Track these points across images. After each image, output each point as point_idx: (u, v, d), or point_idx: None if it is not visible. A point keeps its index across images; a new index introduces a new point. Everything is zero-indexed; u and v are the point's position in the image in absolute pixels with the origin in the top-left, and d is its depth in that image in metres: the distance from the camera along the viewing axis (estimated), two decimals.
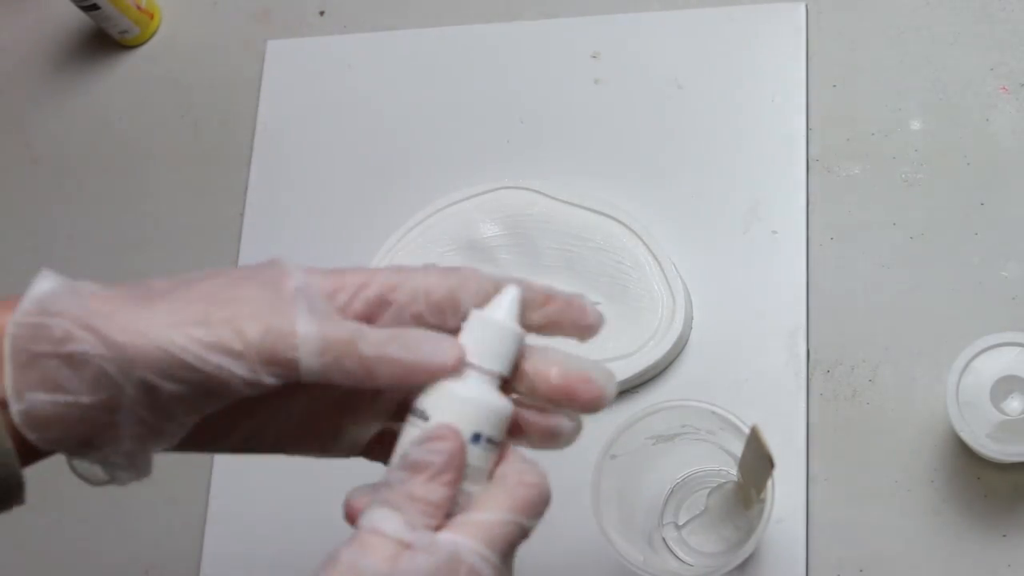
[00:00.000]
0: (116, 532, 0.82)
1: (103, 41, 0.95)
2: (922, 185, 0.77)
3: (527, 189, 0.81)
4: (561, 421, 0.50)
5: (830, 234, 0.77)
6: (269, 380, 0.45)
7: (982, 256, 0.74)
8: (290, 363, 0.45)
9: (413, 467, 0.45)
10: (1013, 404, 0.66)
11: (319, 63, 0.90)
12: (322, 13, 0.92)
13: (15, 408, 0.46)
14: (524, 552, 0.75)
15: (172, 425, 0.48)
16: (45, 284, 0.46)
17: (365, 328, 0.46)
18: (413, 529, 0.45)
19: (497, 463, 0.48)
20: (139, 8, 0.92)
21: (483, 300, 0.48)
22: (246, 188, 0.88)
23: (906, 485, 0.71)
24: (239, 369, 0.45)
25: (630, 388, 0.76)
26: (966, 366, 0.66)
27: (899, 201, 0.77)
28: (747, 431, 0.61)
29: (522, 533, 0.48)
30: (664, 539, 0.72)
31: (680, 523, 0.72)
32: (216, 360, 0.45)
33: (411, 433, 0.46)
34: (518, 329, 0.48)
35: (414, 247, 0.81)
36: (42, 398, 0.46)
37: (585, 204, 0.79)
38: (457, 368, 0.46)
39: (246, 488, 0.80)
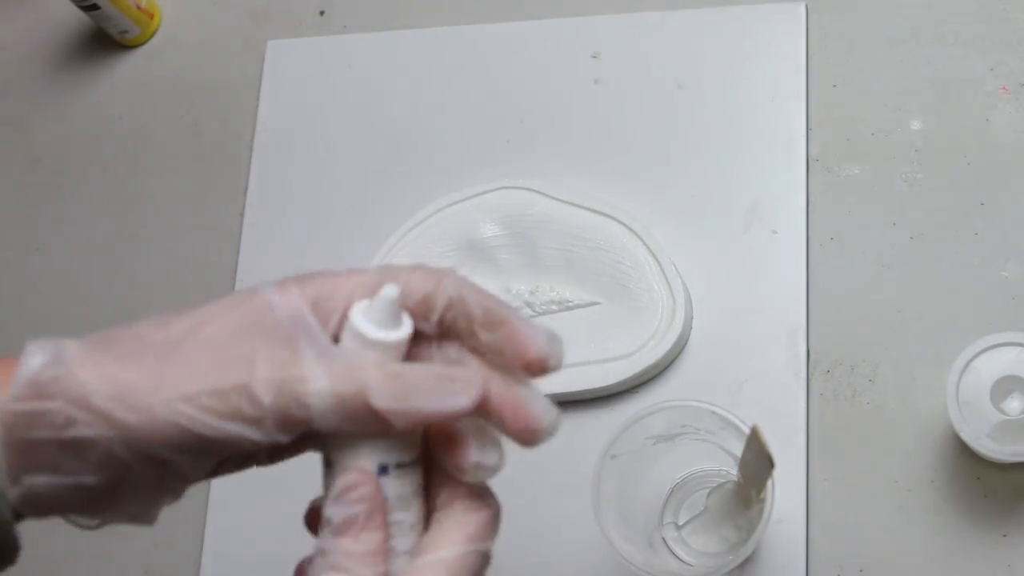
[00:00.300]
0: (116, 532, 0.82)
1: (103, 41, 0.95)
2: (922, 185, 0.77)
3: (527, 189, 0.81)
4: (537, 410, 0.47)
5: (830, 234, 0.77)
6: (284, 439, 0.44)
7: (982, 256, 0.74)
8: (304, 422, 0.43)
9: (340, 529, 0.44)
10: (1013, 404, 0.66)
11: (319, 63, 0.90)
12: (322, 13, 0.92)
13: (12, 493, 0.44)
14: (524, 552, 0.75)
15: (182, 484, 0.47)
16: (35, 360, 0.43)
17: (371, 374, 0.44)
18: None
19: (424, 477, 0.46)
20: (139, 8, 0.92)
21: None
22: (246, 188, 0.88)
23: (906, 485, 0.71)
24: (255, 435, 0.43)
25: (630, 388, 0.76)
26: (966, 366, 0.66)
27: (899, 201, 0.77)
28: (747, 431, 0.61)
29: (484, 559, 0.46)
30: (664, 539, 0.72)
31: (680, 523, 0.72)
32: (231, 428, 0.43)
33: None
34: (388, 338, 0.44)
35: (414, 247, 0.81)
36: (41, 480, 0.43)
37: (585, 204, 0.79)
38: (479, 399, 0.44)
39: (246, 488, 0.80)
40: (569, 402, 0.77)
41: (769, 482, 0.63)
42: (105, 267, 0.89)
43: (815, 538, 0.71)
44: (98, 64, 0.95)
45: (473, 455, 0.46)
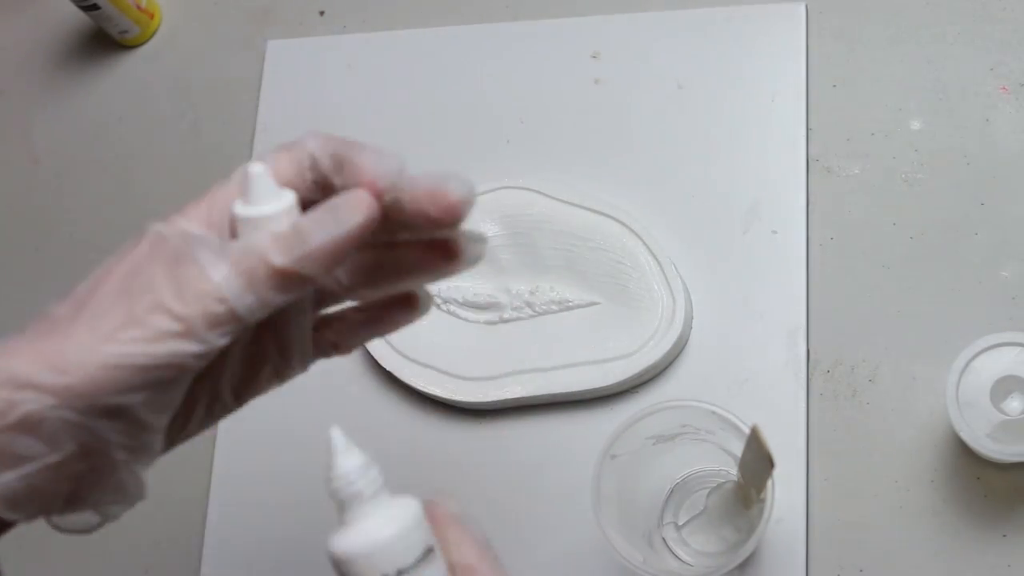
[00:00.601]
0: (116, 532, 0.82)
1: (103, 41, 0.95)
2: (922, 185, 0.77)
3: (527, 189, 0.81)
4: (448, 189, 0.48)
5: (830, 234, 0.77)
6: (221, 341, 0.44)
7: (982, 256, 0.74)
8: (230, 316, 0.44)
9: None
10: (1013, 404, 0.66)
11: (319, 63, 0.90)
12: (322, 13, 0.92)
13: None
14: (525, 552, 0.75)
15: (149, 435, 0.46)
16: None
17: (265, 242, 0.45)
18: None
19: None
20: (139, 8, 0.92)
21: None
22: None
23: (906, 485, 0.71)
24: (191, 347, 0.44)
25: (630, 388, 0.76)
26: (966, 366, 0.66)
27: (899, 201, 0.77)
28: (747, 431, 0.61)
29: None
30: (664, 539, 0.72)
31: (680, 523, 0.72)
32: (163, 349, 0.43)
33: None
34: (266, 211, 0.46)
35: None
36: (8, 477, 0.43)
37: (585, 204, 0.79)
38: (375, 208, 0.45)
39: (246, 488, 0.80)
40: (569, 402, 0.77)
41: (769, 482, 0.63)
42: None
43: (815, 538, 0.71)
44: (98, 64, 0.95)
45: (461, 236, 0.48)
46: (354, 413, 0.79)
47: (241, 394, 0.51)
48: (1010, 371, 0.66)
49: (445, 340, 0.78)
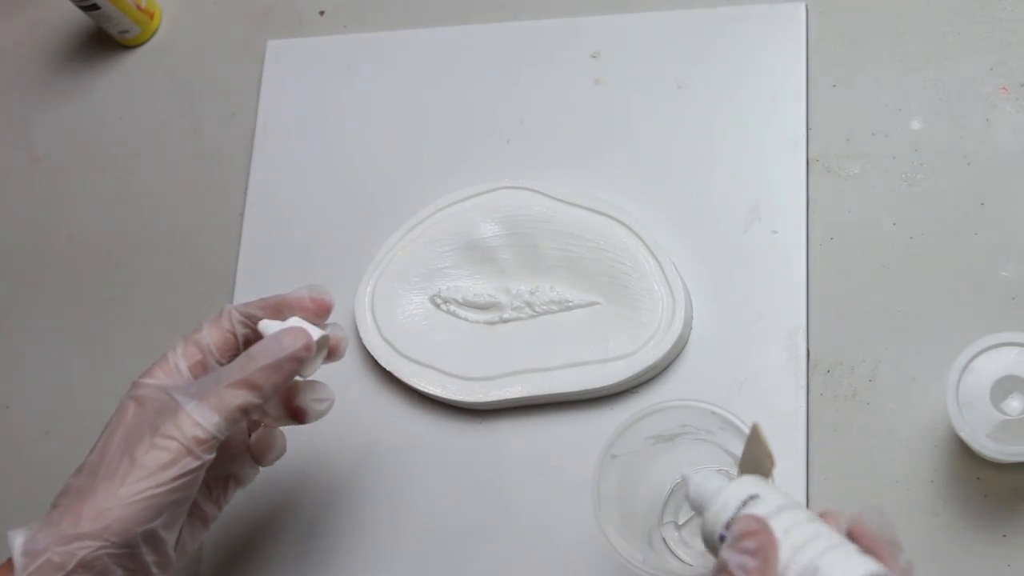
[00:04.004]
0: None
1: (103, 41, 0.95)
2: (922, 185, 0.77)
3: (527, 189, 0.81)
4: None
5: (830, 234, 0.77)
6: (208, 456, 0.62)
7: (982, 256, 0.74)
8: (208, 435, 0.62)
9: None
10: (1013, 404, 0.66)
11: (319, 63, 0.90)
12: (322, 13, 0.92)
13: None
14: (524, 552, 0.75)
15: (170, 551, 0.63)
16: (18, 539, 0.60)
17: (223, 373, 0.63)
18: None
19: None
20: (139, 8, 0.92)
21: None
22: (246, 188, 0.88)
23: (906, 485, 0.71)
24: (192, 463, 0.61)
25: (630, 388, 0.76)
26: (966, 366, 0.66)
27: (899, 201, 0.77)
28: (747, 431, 0.61)
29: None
30: (664, 539, 0.72)
31: (680, 523, 0.72)
32: (170, 474, 0.61)
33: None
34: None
35: (414, 247, 0.81)
36: None
37: (585, 204, 0.79)
38: (310, 348, 0.65)
39: (246, 488, 0.80)
40: (569, 402, 0.77)
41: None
42: (105, 267, 0.89)
43: None
44: (98, 64, 0.95)
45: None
46: (354, 413, 0.79)
47: (220, 504, 0.70)
48: (1010, 371, 0.66)
49: (445, 340, 0.78)
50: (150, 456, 0.61)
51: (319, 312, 0.67)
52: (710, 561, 0.71)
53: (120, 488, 0.60)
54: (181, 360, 0.66)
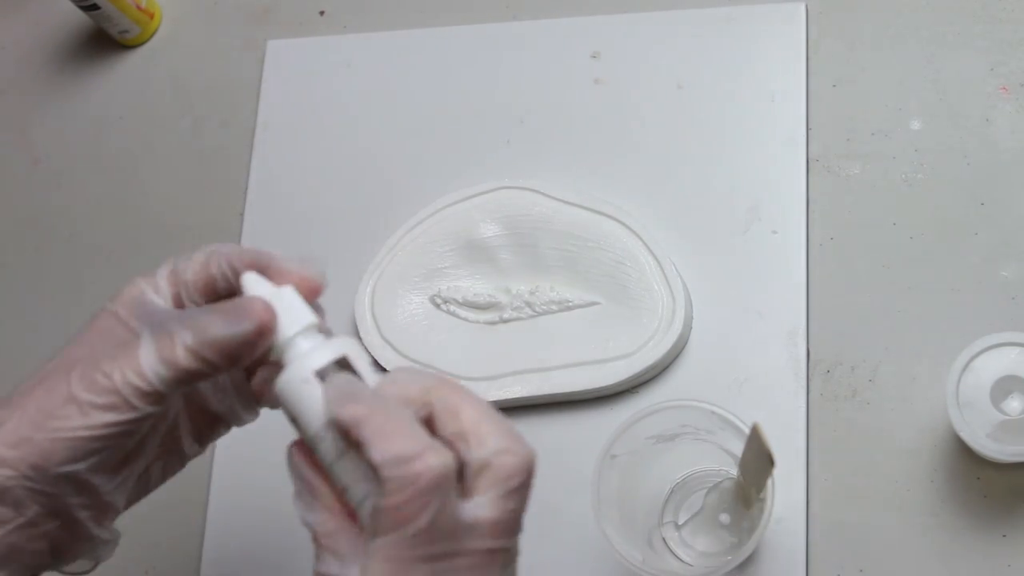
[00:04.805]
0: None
1: (103, 41, 0.95)
2: (922, 185, 0.77)
3: (527, 189, 0.81)
4: None
5: (830, 234, 0.77)
6: (150, 410, 0.51)
7: (982, 256, 0.74)
8: (152, 388, 0.51)
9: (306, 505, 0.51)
10: (1013, 404, 0.66)
11: (319, 63, 0.90)
12: (322, 13, 0.92)
13: None
14: (524, 552, 0.75)
15: (107, 496, 0.53)
16: None
17: (181, 333, 0.51)
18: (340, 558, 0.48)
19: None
20: (139, 8, 0.92)
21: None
22: (246, 188, 0.88)
23: (906, 485, 0.71)
24: (121, 416, 0.50)
25: (630, 388, 0.76)
26: (966, 366, 0.66)
27: (899, 201, 0.77)
28: (747, 431, 0.61)
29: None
30: (664, 539, 0.72)
31: (680, 523, 0.72)
32: (100, 420, 0.50)
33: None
34: (281, 290, 0.53)
35: (414, 247, 0.81)
36: None
37: (585, 204, 0.79)
38: (271, 319, 0.51)
39: (246, 488, 0.80)
40: (569, 402, 0.77)
41: (769, 482, 0.64)
42: (105, 267, 0.89)
43: (815, 538, 0.71)
44: (98, 64, 0.95)
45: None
46: None
47: (203, 443, 0.59)
48: (1010, 371, 0.66)
49: (445, 340, 0.78)
50: (85, 393, 0.50)
51: (308, 293, 0.56)
52: (710, 561, 0.71)
53: (49, 419, 0.50)
54: (165, 283, 0.56)
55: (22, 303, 0.90)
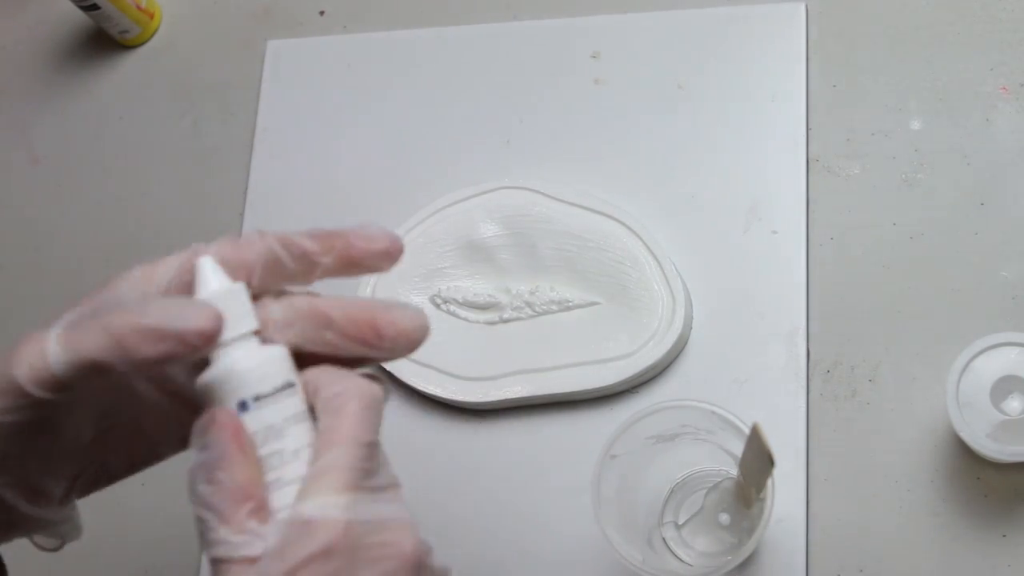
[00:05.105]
0: (116, 534, 0.82)
1: (103, 41, 0.95)
2: (922, 185, 0.77)
3: (527, 189, 0.81)
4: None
5: (830, 234, 0.77)
6: (42, 395, 0.45)
7: (982, 256, 0.74)
8: (48, 373, 0.45)
9: (199, 475, 0.46)
10: (1013, 404, 0.66)
11: (319, 63, 0.90)
12: (322, 13, 0.92)
13: None
14: (524, 552, 0.75)
15: (42, 478, 0.50)
16: None
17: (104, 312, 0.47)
18: (242, 533, 0.44)
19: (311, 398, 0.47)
20: (139, 8, 0.92)
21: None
22: (246, 188, 0.88)
23: (906, 485, 0.71)
24: (7, 403, 0.45)
25: (630, 388, 0.76)
26: (966, 366, 0.66)
27: (899, 201, 0.77)
28: (747, 431, 0.61)
29: (366, 451, 0.45)
30: (664, 539, 0.72)
31: (680, 523, 0.72)
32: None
33: None
34: (233, 286, 0.47)
35: (414, 247, 0.81)
36: None
37: (585, 204, 0.79)
38: (217, 328, 0.45)
39: None
40: (569, 402, 0.77)
41: (769, 482, 0.63)
42: (105, 267, 0.89)
43: (815, 538, 0.71)
44: (98, 64, 0.95)
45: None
46: None
47: (133, 466, 0.55)
48: (1010, 371, 0.66)
49: (445, 340, 0.78)
50: None
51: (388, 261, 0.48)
52: (710, 561, 0.71)
53: None
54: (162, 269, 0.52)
55: (22, 304, 0.90)
